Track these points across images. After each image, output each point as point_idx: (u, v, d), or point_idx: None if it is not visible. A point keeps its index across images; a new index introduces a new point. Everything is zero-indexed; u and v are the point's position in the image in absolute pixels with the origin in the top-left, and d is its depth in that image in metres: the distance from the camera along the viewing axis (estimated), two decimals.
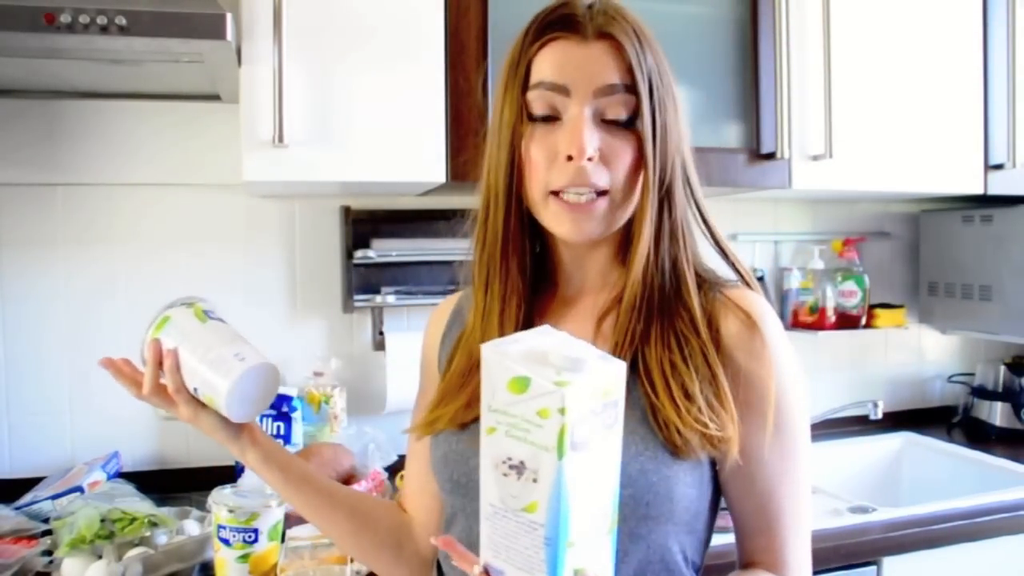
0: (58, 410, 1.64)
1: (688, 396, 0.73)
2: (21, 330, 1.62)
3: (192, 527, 1.33)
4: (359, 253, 1.69)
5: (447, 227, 1.76)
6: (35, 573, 1.21)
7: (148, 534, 1.25)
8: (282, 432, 1.60)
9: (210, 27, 1.20)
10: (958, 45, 1.81)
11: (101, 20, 1.15)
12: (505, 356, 0.57)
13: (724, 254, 0.84)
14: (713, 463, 0.77)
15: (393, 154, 1.42)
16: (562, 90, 0.75)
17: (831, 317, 1.99)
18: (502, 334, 0.80)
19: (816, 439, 1.93)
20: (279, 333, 1.74)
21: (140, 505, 1.35)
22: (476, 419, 0.77)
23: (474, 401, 0.77)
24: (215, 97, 1.64)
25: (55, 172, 1.62)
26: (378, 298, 1.70)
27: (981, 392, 2.10)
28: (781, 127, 1.61)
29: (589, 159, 0.74)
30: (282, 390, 1.57)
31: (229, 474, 1.53)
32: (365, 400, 1.76)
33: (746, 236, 2.04)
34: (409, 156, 1.43)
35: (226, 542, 1.16)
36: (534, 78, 0.76)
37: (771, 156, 1.62)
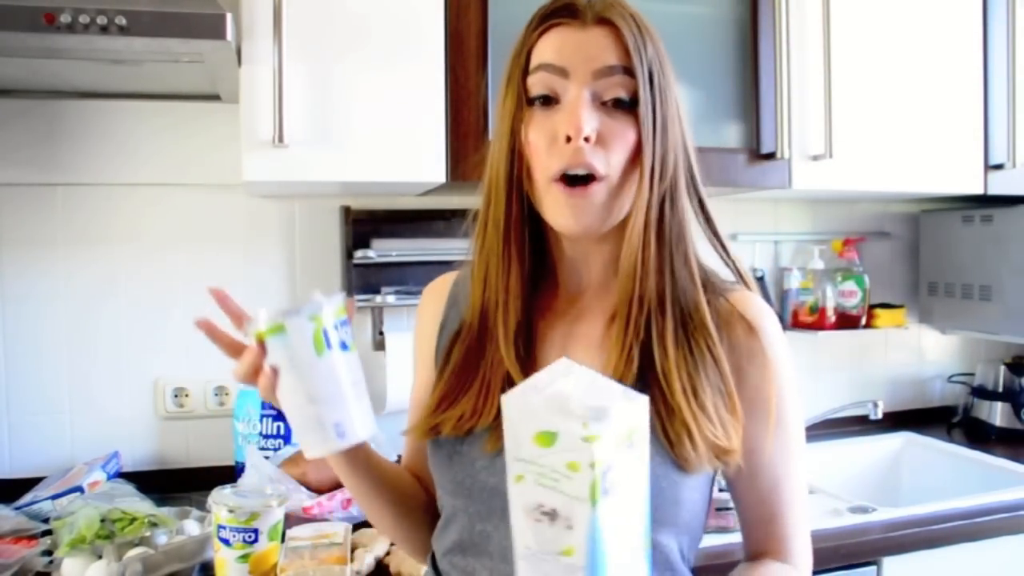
0: (58, 410, 1.64)
1: (702, 408, 0.74)
2: (21, 330, 1.62)
3: (192, 527, 1.33)
4: (359, 253, 1.69)
5: (447, 227, 1.79)
6: (35, 573, 1.21)
7: (148, 534, 1.25)
8: (282, 432, 1.59)
9: (210, 27, 1.20)
10: (958, 45, 1.81)
11: (101, 20, 1.15)
12: (528, 407, 0.58)
13: (726, 255, 0.84)
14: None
15: (393, 154, 1.42)
16: (561, 72, 0.75)
17: (831, 317, 1.99)
18: (503, 333, 0.79)
19: (816, 439, 1.95)
20: None
21: (140, 505, 1.35)
22: (480, 427, 0.78)
23: (478, 411, 0.78)
24: (215, 97, 1.64)
25: (55, 172, 1.62)
26: (378, 298, 1.70)
27: (981, 392, 2.10)
28: (781, 127, 1.61)
29: (586, 139, 0.73)
30: None
31: (229, 474, 1.53)
32: None
33: (746, 236, 2.04)
34: (409, 156, 1.43)
35: (226, 542, 1.16)
36: (534, 62, 0.77)
37: (771, 156, 1.62)
